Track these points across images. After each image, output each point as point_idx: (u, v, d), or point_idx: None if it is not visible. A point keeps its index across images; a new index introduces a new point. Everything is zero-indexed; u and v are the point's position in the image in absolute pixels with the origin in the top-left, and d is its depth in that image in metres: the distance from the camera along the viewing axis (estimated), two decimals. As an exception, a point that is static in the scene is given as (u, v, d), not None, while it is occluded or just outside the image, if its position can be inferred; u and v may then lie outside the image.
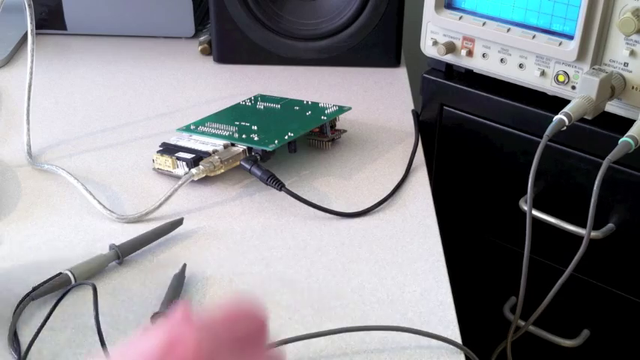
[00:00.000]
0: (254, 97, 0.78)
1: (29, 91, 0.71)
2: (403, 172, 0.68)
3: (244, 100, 0.77)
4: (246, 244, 0.59)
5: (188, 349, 0.31)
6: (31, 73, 0.71)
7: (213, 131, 0.69)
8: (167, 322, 0.30)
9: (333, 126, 0.73)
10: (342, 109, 0.73)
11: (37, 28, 0.86)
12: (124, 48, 0.95)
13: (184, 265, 0.55)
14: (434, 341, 0.50)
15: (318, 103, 0.74)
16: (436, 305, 0.53)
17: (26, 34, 0.96)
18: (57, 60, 0.92)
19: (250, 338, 0.33)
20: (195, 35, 0.97)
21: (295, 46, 0.87)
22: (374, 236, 0.60)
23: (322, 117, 0.71)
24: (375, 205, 0.64)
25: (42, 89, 0.84)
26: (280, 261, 0.57)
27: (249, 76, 0.87)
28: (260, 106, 0.75)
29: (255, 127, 0.69)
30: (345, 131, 0.74)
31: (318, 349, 0.49)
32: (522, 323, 0.68)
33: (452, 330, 0.51)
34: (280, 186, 0.63)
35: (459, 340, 0.50)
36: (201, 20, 0.99)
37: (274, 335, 0.50)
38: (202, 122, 0.72)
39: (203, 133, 0.69)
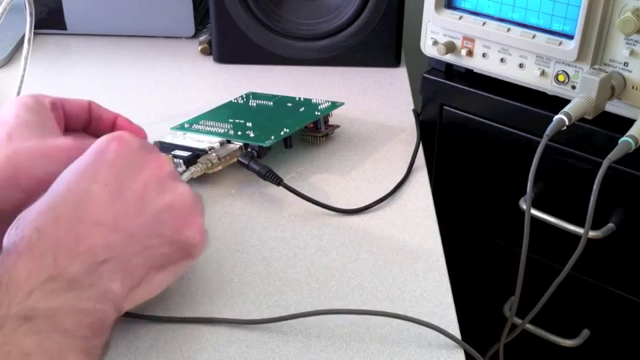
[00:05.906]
0: (245, 94, 0.78)
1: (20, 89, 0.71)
2: (402, 171, 0.68)
3: (236, 98, 0.77)
4: (246, 244, 0.59)
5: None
6: (24, 74, 0.71)
7: (208, 129, 0.69)
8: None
9: (326, 122, 0.73)
10: (335, 105, 0.73)
11: (37, 28, 0.86)
12: (124, 48, 0.95)
13: None
14: (434, 340, 0.50)
15: (310, 99, 0.74)
16: (436, 305, 0.53)
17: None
18: (57, 60, 0.92)
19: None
20: (195, 35, 0.97)
21: (295, 46, 0.87)
22: (374, 236, 0.60)
23: (316, 112, 0.71)
24: (375, 202, 0.64)
25: (42, 89, 0.83)
26: (280, 261, 0.57)
27: (249, 76, 0.87)
28: (252, 103, 0.75)
29: (250, 124, 0.69)
30: (338, 127, 0.74)
31: (319, 349, 0.49)
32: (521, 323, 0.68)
33: (452, 330, 0.51)
34: (278, 181, 0.63)
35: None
36: (201, 20, 0.99)
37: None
38: (196, 120, 0.71)
39: (198, 131, 0.69)
